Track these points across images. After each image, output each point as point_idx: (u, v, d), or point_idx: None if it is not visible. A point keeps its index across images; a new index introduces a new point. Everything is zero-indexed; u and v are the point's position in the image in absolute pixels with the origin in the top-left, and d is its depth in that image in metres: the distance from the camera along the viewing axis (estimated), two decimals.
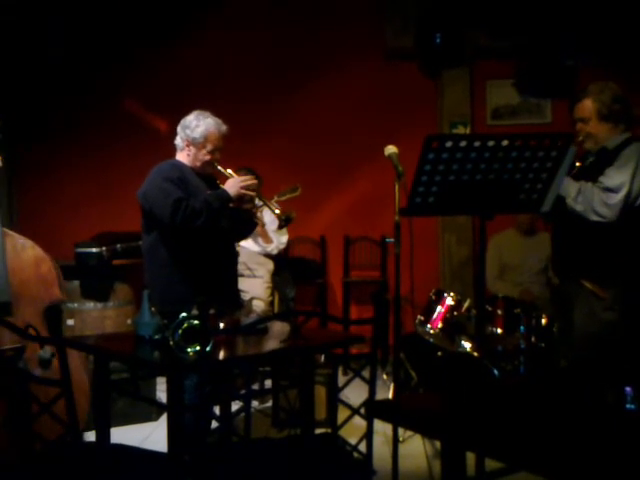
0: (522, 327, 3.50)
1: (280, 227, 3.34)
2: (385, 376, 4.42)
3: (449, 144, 2.18)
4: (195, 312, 2.30)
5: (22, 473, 1.95)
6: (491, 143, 2.21)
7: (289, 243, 5.64)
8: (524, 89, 5.16)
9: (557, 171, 2.33)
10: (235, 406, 3.34)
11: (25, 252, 3.10)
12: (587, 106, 2.96)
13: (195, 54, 5.55)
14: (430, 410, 1.65)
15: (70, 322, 4.18)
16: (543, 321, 3.53)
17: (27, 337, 1.93)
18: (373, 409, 2.12)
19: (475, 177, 2.24)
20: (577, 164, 3.04)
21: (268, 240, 4.77)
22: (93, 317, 4.29)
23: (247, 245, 4.62)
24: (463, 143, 2.20)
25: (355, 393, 2.39)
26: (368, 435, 2.21)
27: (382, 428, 3.24)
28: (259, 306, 4.69)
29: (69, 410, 1.86)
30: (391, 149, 2.91)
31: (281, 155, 5.59)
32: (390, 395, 3.91)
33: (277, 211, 3.13)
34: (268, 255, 4.84)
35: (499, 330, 3.51)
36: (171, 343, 2.11)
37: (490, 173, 2.24)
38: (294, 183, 4.23)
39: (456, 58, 5.38)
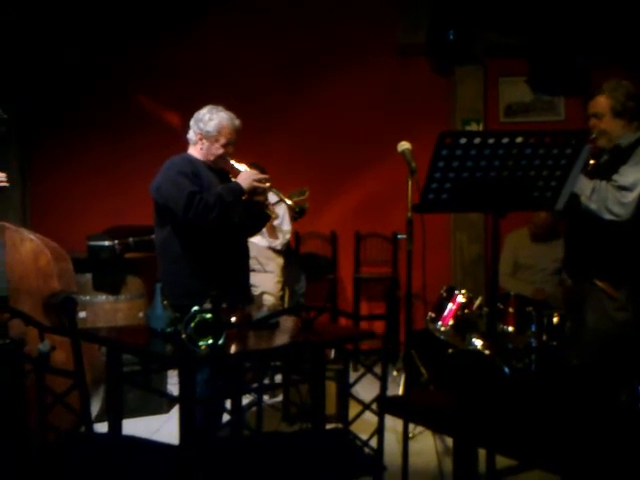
0: (533, 325, 3.49)
1: (294, 219, 3.35)
2: (395, 372, 4.43)
3: (463, 141, 2.18)
4: (207, 306, 2.31)
5: (37, 464, 1.97)
6: (505, 140, 2.20)
7: (300, 238, 5.65)
8: (537, 86, 5.14)
9: (572, 169, 2.32)
10: (244, 400, 3.36)
11: (23, 245, 3.12)
12: (601, 102, 2.95)
13: (208, 49, 5.56)
14: (442, 406, 1.65)
15: (82, 314, 4.21)
16: (555, 320, 3.52)
17: (43, 329, 1.94)
18: (385, 405, 2.12)
19: (489, 174, 2.24)
20: (591, 161, 3.03)
21: (274, 235, 4.77)
22: (105, 310, 4.32)
23: (256, 240, 4.63)
24: (477, 140, 2.19)
25: (365, 389, 2.40)
26: (379, 431, 2.21)
27: (392, 425, 3.24)
28: (269, 301, 4.70)
29: (82, 401, 1.88)
30: (404, 145, 2.91)
31: (294, 151, 5.60)
32: (400, 391, 3.92)
33: (290, 202, 3.13)
34: (277, 250, 4.85)
35: (510, 328, 3.51)
36: (183, 336, 2.12)
37: (504, 170, 2.24)
38: (302, 186, 4.26)
39: (469, 55, 5.36)
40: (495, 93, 5.63)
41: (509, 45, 5.24)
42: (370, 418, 2.35)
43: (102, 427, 2.52)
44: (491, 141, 2.19)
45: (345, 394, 2.33)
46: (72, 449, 1.90)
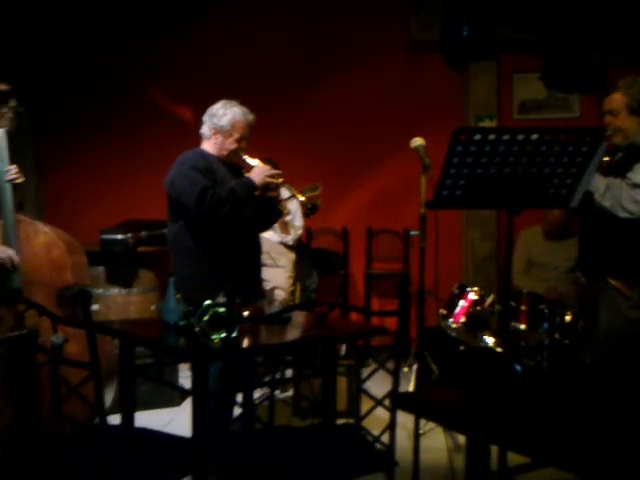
0: (546, 323, 3.47)
1: (306, 215, 3.35)
2: (406, 369, 4.42)
3: (477, 137, 2.17)
4: (221, 300, 2.32)
5: (54, 454, 1.99)
6: (520, 137, 2.19)
7: (312, 234, 5.66)
8: (552, 83, 5.10)
9: (587, 166, 2.31)
10: (255, 395, 3.37)
11: (37, 238, 3.14)
12: (617, 99, 2.93)
13: (221, 43, 5.57)
14: (455, 403, 1.65)
15: (95, 307, 4.23)
16: (567, 318, 3.50)
17: (58, 320, 1.96)
18: (397, 400, 2.13)
19: (503, 171, 2.23)
20: (605, 159, 3.01)
21: (286, 230, 4.78)
22: (117, 303, 4.35)
23: (268, 235, 4.63)
24: (492, 136, 2.18)
25: (376, 385, 2.39)
26: (391, 426, 2.22)
27: (402, 421, 3.24)
28: (280, 295, 4.71)
29: (97, 393, 1.90)
30: (418, 141, 2.90)
31: (307, 146, 5.60)
32: (411, 388, 3.91)
33: (302, 198, 3.13)
34: (290, 245, 4.86)
35: (523, 326, 3.49)
36: (196, 330, 2.13)
37: (519, 167, 2.23)
38: (315, 182, 4.25)
39: (483, 51, 5.32)
40: (509, 90, 5.60)
41: (523, 41, 5.20)
42: (381, 414, 2.35)
43: (114, 419, 2.54)
44: (506, 137, 2.18)
45: (357, 390, 2.33)
46: (87, 440, 1.92)
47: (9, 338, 2.32)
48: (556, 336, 3.50)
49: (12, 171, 3.09)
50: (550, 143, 2.22)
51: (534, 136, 2.20)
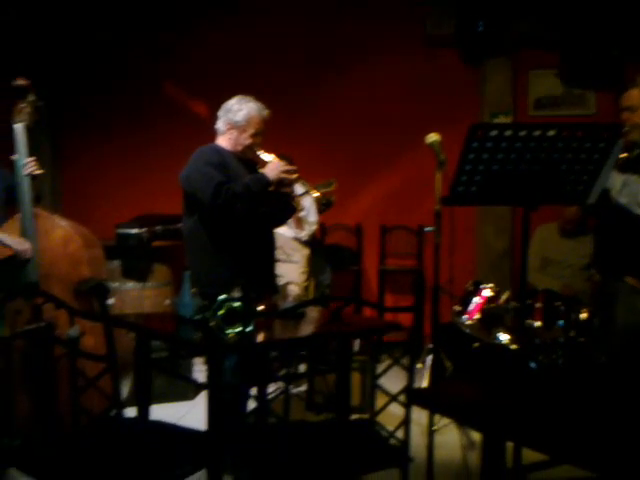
0: (561, 321, 3.45)
1: (320, 211, 3.35)
2: (419, 365, 4.41)
3: (494, 133, 2.16)
4: (236, 294, 2.33)
5: (71, 445, 2.02)
6: (537, 133, 2.17)
7: (325, 230, 5.66)
8: (568, 80, 5.07)
9: (604, 163, 2.29)
10: (269, 389, 3.38)
11: (54, 232, 3.18)
12: (635, 95, 2.91)
13: (236, 39, 5.57)
14: (471, 399, 1.65)
15: (110, 301, 4.26)
16: (583, 315, 3.48)
17: (76, 313, 1.98)
18: (413, 396, 2.13)
19: (520, 167, 2.22)
20: (623, 155, 2.98)
21: (300, 226, 4.78)
22: (132, 296, 4.38)
23: (282, 230, 4.64)
24: (508, 132, 2.17)
25: (389, 381, 2.39)
26: (406, 422, 2.22)
27: (416, 418, 3.24)
28: (294, 291, 4.72)
29: (115, 385, 1.92)
30: (433, 137, 2.90)
31: (322, 142, 5.60)
32: (424, 384, 3.91)
33: (317, 194, 3.13)
34: (304, 241, 4.86)
35: (538, 323, 3.48)
36: (212, 324, 2.14)
37: (535, 163, 2.22)
38: (329, 177, 4.25)
39: (498, 47, 5.30)
40: (525, 86, 5.57)
41: (540, 37, 5.16)
42: (394, 410, 2.35)
43: (129, 412, 2.56)
44: (523, 133, 2.17)
45: (372, 385, 2.33)
46: (103, 432, 1.94)
47: (27, 331, 2.34)
48: (571, 334, 3.48)
49: (30, 164, 3.13)
50: (567, 139, 2.21)
51: (551, 132, 2.18)
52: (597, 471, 1.29)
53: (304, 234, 4.81)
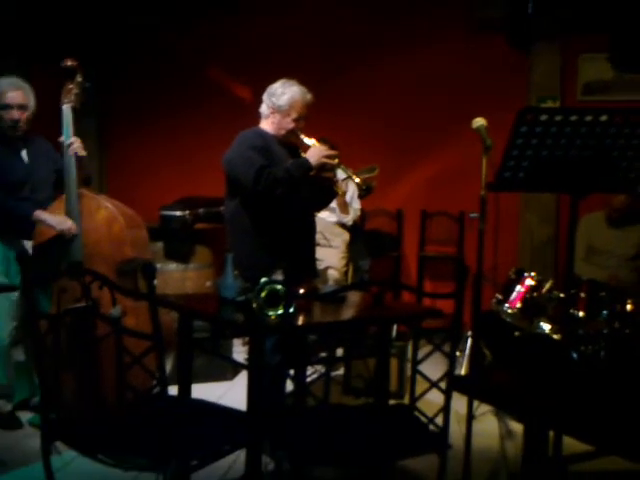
0: (605, 311, 3.38)
1: (360, 197, 3.34)
2: (458, 353, 4.38)
3: (544, 117, 2.11)
4: (278, 277, 2.34)
5: (114, 420, 2.07)
6: (588, 118, 2.12)
7: (366, 215, 5.64)
8: (620, 64, 4.92)
9: None
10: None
11: (98, 212, 3.23)
12: None
13: (283, 23, 5.56)
14: (513, 387, 1.63)
15: (154, 281, 4.33)
16: (628, 307, 3.40)
17: (121, 291, 2.02)
18: (454, 382, 2.12)
19: (569, 153, 2.16)
20: None
21: (346, 210, 4.78)
22: (175, 278, 4.44)
23: (324, 215, 4.64)
24: (558, 117, 2.12)
25: (427, 367, 2.37)
26: (446, 408, 2.21)
27: (454, 406, 3.22)
28: (333, 275, 4.73)
29: (160, 364, 1.95)
30: (479, 121, 2.86)
31: (365, 127, 5.57)
32: (463, 372, 3.89)
33: (358, 180, 3.12)
34: (344, 226, 4.86)
35: (581, 313, 3.41)
36: (254, 305, 2.16)
37: (586, 149, 2.16)
38: (372, 162, 4.22)
39: (547, 30, 5.17)
40: (573, 70, 5.42)
41: (590, 20, 5.01)
42: (431, 397, 2.35)
43: (170, 390, 2.60)
44: (573, 118, 2.12)
45: (413, 371, 2.32)
46: (147, 408, 1.98)
47: (73, 309, 2.40)
48: (616, 325, 3.40)
49: (75, 144, 3.18)
50: (619, 125, 2.15)
51: (603, 117, 2.12)
52: None
53: (350, 218, 4.81)
